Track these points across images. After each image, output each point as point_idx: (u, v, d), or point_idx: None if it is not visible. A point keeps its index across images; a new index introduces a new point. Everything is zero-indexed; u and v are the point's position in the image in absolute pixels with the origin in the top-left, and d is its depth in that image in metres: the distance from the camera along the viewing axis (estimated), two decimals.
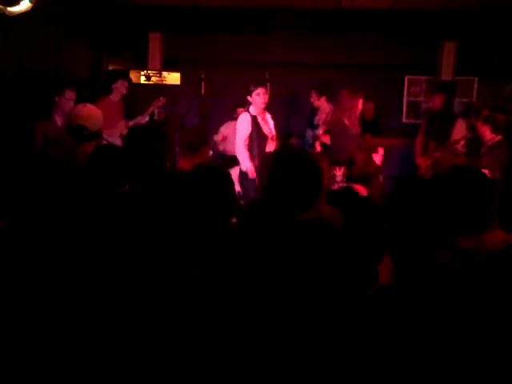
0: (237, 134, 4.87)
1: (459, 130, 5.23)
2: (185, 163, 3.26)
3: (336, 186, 3.85)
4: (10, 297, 2.09)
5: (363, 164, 4.30)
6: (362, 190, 3.39)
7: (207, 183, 2.20)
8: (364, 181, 3.81)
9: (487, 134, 4.56)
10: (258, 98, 4.84)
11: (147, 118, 5.38)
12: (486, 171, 4.25)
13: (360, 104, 4.93)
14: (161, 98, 5.43)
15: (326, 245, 1.77)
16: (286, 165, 1.85)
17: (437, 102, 5.46)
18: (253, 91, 4.85)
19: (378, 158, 5.15)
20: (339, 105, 4.99)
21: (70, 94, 4.77)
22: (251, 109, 4.87)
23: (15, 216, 2.50)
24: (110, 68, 6.81)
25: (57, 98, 4.76)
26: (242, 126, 4.84)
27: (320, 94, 5.79)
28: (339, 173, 4.32)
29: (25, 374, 1.95)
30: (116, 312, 1.98)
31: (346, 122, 4.87)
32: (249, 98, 4.90)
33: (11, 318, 2.03)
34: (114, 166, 2.67)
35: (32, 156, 4.03)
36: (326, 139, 5.25)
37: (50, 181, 2.89)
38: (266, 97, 4.90)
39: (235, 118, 5.94)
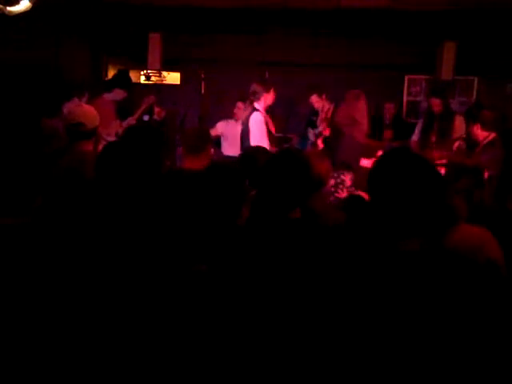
0: (256, 135, 4.60)
1: (459, 127, 5.25)
2: (190, 163, 3.26)
3: (345, 193, 3.64)
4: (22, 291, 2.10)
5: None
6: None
7: (221, 180, 2.20)
8: None
9: (479, 133, 4.56)
10: (273, 96, 4.76)
11: (145, 118, 5.40)
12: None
13: (364, 104, 4.84)
14: (150, 96, 5.44)
15: (316, 242, 1.79)
16: (274, 163, 1.88)
17: (436, 105, 5.51)
18: (269, 89, 4.74)
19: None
20: (345, 107, 4.91)
21: (87, 96, 4.93)
22: (260, 108, 4.70)
23: (35, 213, 2.51)
24: (117, 68, 6.82)
25: (77, 100, 4.86)
26: (260, 125, 4.63)
27: (320, 94, 5.80)
28: (347, 178, 4.12)
29: (28, 371, 1.96)
30: (122, 307, 1.99)
31: (344, 121, 4.82)
32: (266, 95, 4.72)
33: (25, 311, 2.04)
34: (129, 162, 2.67)
35: (36, 154, 4.05)
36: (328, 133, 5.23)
37: (59, 179, 2.92)
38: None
39: (235, 119, 5.94)
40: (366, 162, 4.57)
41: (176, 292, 1.95)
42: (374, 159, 4.74)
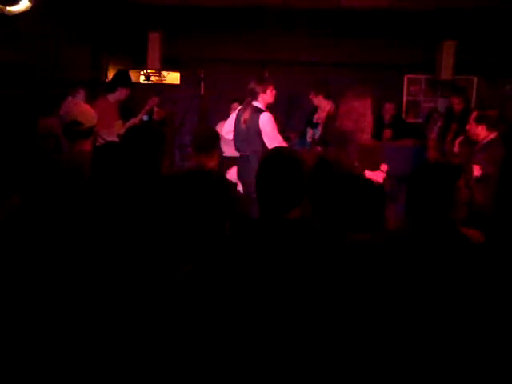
0: (270, 135, 4.57)
1: None
2: (199, 163, 3.26)
3: None
4: (12, 290, 2.11)
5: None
6: None
7: (202, 187, 2.22)
8: None
9: (482, 133, 4.52)
10: (271, 94, 4.73)
11: (145, 118, 5.39)
12: (477, 167, 4.27)
13: (370, 106, 4.75)
14: (154, 97, 5.44)
15: (311, 244, 1.79)
16: (270, 164, 1.89)
17: (457, 103, 5.55)
18: (266, 88, 4.71)
19: (380, 176, 4.71)
20: (345, 109, 4.83)
21: (83, 95, 4.88)
22: (261, 106, 4.63)
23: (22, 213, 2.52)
24: (117, 67, 6.82)
25: (71, 98, 4.84)
26: (272, 124, 4.59)
27: (317, 93, 5.79)
28: None
29: (25, 370, 1.96)
30: (108, 306, 1.99)
31: (353, 128, 4.71)
32: (263, 95, 4.70)
33: (13, 310, 2.05)
34: (124, 162, 2.67)
35: (33, 154, 4.05)
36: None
37: (53, 180, 2.92)
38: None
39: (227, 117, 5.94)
40: (369, 174, 4.44)
41: (168, 292, 1.96)
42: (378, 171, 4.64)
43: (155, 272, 2.01)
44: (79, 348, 1.90)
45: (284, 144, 4.64)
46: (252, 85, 4.67)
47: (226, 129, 5.09)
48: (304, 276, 1.73)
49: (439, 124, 5.85)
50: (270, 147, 4.56)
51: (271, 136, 4.58)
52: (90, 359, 1.92)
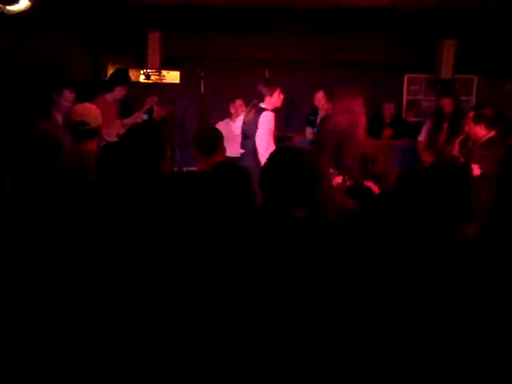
0: (265, 131, 4.68)
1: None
2: (203, 164, 3.25)
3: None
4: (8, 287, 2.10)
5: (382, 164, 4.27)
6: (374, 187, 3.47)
7: (228, 182, 2.22)
8: (377, 179, 3.83)
9: (481, 132, 4.50)
10: (278, 98, 4.80)
11: (144, 117, 5.39)
12: (476, 166, 4.27)
13: (363, 104, 4.78)
14: (153, 96, 5.43)
15: (321, 241, 1.78)
16: (278, 162, 1.88)
17: (447, 105, 5.54)
18: (273, 91, 4.77)
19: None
20: (339, 109, 4.87)
21: (69, 95, 4.85)
22: (267, 107, 4.76)
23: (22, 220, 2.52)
24: (117, 67, 6.81)
25: (55, 96, 4.83)
26: (271, 125, 4.72)
27: (327, 95, 5.82)
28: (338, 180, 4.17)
29: (25, 370, 1.96)
30: (121, 312, 1.98)
31: (348, 126, 4.73)
32: (269, 98, 4.77)
33: (8, 311, 2.04)
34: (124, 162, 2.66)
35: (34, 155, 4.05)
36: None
37: (55, 181, 2.92)
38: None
39: (233, 116, 5.96)
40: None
41: (180, 295, 1.95)
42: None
43: (162, 272, 1.99)
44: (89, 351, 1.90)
45: (271, 148, 4.61)
46: (259, 87, 4.76)
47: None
48: (308, 275, 1.72)
49: (427, 126, 5.82)
50: (258, 146, 4.62)
51: (262, 135, 4.64)
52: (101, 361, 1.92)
